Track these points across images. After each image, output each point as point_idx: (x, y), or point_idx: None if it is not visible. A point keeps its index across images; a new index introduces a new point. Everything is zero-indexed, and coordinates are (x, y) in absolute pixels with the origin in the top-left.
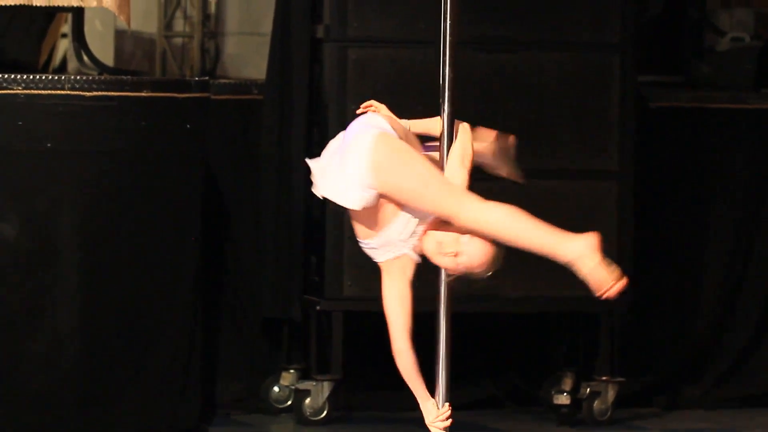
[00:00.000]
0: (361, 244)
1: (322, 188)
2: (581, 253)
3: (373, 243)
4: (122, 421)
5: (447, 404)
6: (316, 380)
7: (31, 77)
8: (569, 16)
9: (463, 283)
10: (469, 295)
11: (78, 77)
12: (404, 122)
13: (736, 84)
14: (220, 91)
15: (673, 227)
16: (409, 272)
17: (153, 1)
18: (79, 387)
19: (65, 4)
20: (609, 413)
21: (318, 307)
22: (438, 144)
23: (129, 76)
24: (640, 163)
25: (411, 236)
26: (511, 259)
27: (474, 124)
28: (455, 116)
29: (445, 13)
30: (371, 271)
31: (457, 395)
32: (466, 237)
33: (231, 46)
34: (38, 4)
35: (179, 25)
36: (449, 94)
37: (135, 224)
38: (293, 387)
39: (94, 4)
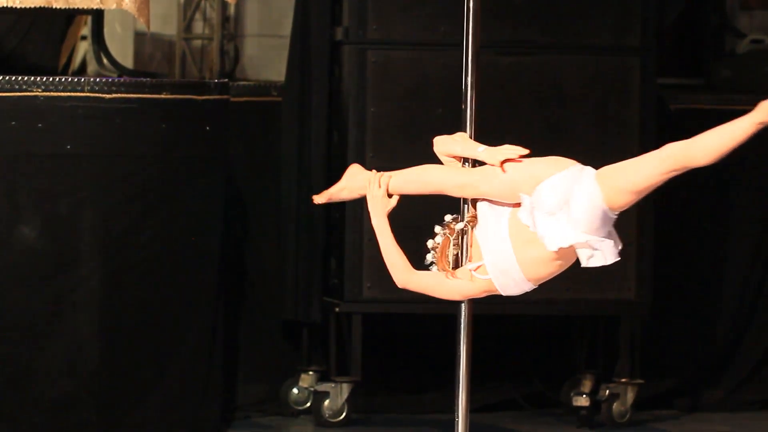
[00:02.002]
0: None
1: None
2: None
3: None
4: (143, 424)
5: None
6: (335, 382)
7: (51, 79)
8: (590, 20)
9: None
10: (489, 297)
11: (98, 79)
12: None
13: (756, 86)
14: (239, 93)
15: (693, 230)
16: None
17: (172, 3)
18: (100, 390)
19: (85, 6)
20: (628, 415)
21: (337, 309)
22: None
23: (149, 79)
24: None
25: None
26: None
27: (494, 127)
28: (476, 120)
29: (468, 17)
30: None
31: (477, 397)
32: None
33: (250, 48)
34: (58, 6)
35: (198, 27)
36: (471, 98)
37: (156, 227)
38: (312, 389)
39: (114, 6)
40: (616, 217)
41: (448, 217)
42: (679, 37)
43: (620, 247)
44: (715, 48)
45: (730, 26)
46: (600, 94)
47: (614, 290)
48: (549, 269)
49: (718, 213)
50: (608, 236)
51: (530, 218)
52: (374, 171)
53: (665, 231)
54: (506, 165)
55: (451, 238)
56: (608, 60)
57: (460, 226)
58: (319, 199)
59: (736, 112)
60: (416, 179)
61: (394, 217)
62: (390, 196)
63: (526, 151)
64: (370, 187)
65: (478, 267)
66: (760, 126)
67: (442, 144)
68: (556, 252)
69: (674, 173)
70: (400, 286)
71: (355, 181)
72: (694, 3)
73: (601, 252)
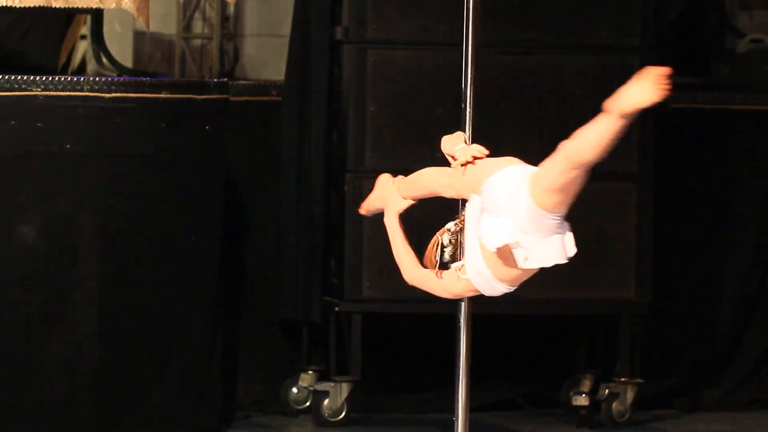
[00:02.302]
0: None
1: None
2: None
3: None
4: (143, 423)
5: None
6: (335, 381)
7: (50, 79)
8: (590, 19)
9: None
10: (488, 297)
11: (97, 79)
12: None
13: (756, 85)
14: (239, 92)
15: (693, 229)
16: None
17: (172, 3)
18: (100, 390)
19: (84, 6)
20: (628, 415)
21: (337, 309)
22: None
23: (148, 78)
24: (660, 165)
25: None
26: None
27: (494, 127)
28: (475, 119)
29: (468, 16)
30: (390, 273)
31: (476, 397)
32: None
33: (250, 48)
34: (57, 6)
35: (198, 26)
36: (471, 97)
37: (155, 226)
38: (312, 388)
39: (113, 5)
40: (556, 219)
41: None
42: (679, 36)
43: (572, 253)
44: (714, 47)
45: (730, 25)
46: (600, 94)
47: (614, 290)
48: (516, 270)
49: (717, 213)
50: (550, 238)
51: (477, 218)
52: (382, 176)
53: (665, 230)
54: (469, 166)
55: (440, 238)
56: (608, 59)
57: (450, 225)
58: (361, 211)
59: (736, 111)
60: (415, 183)
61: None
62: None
63: (485, 152)
64: (383, 184)
65: (461, 267)
66: (624, 117)
67: (444, 143)
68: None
69: (576, 170)
70: (410, 283)
71: (386, 190)
72: (694, 2)
73: (539, 254)
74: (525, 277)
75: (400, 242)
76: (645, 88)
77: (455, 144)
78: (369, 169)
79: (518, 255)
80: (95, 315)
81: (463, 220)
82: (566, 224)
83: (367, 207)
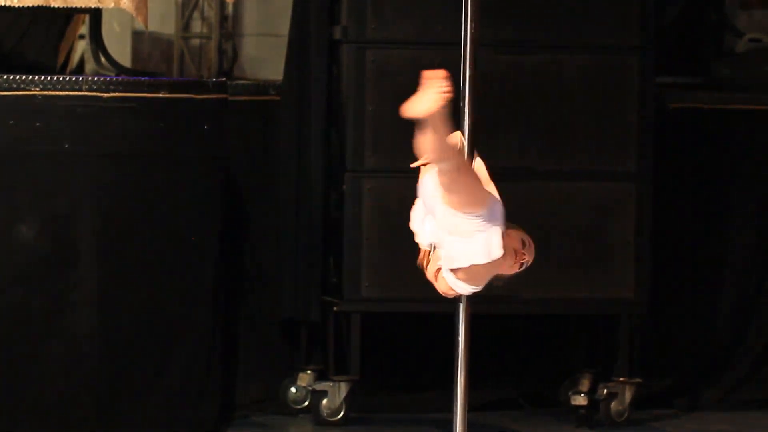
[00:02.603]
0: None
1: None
2: None
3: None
4: (142, 422)
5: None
6: (334, 381)
7: (49, 78)
8: (589, 18)
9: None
10: (488, 296)
11: (95, 78)
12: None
13: (755, 85)
14: (237, 92)
15: (693, 229)
16: None
17: (170, 2)
18: (99, 389)
19: (83, 5)
20: (626, 414)
21: (336, 308)
22: None
23: (146, 78)
24: (659, 165)
25: None
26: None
27: (493, 126)
28: (475, 118)
29: (466, 15)
30: (389, 273)
31: (475, 396)
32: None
33: (248, 47)
34: (56, 5)
35: (197, 26)
36: (470, 96)
37: (154, 226)
38: (311, 388)
39: (112, 5)
40: (472, 218)
41: None
42: (678, 35)
43: (497, 255)
44: (714, 47)
45: (729, 25)
46: (599, 93)
47: (613, 289)
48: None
49: (716, 212)
50: (473, 238)
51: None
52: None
53: (664, 230)
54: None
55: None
56: (607, 59)
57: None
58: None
59: (736, 110)
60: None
61: (394, 217)
62: None
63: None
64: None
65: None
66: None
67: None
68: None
69: (445, 173)
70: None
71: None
72: (693, 2)
73: (463, 253)
74: (486, 277)
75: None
76: (424, 99)
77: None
78: (368, 169)
79: (442, 254)
80: (94, 314)
81: None
82: (493, 225)
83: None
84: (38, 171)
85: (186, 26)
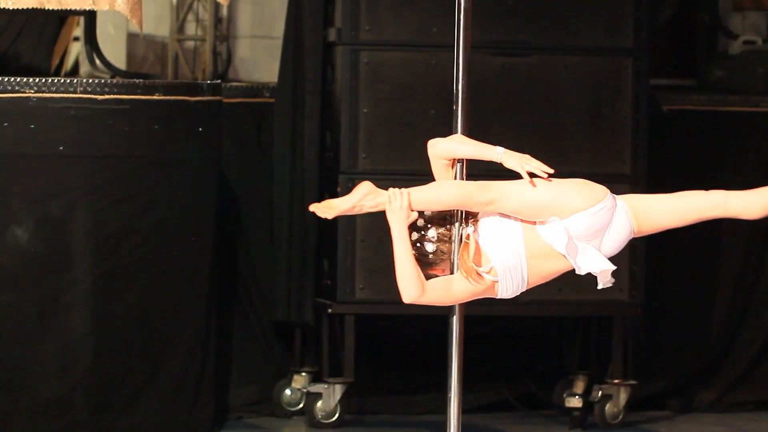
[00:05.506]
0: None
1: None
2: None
3: None
4: (135, 425)
5: None
6: (328, 383)
7: (44, 81)
8: (583, 21)
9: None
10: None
11: (90, 81)
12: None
13: (749, 87)
14: (232, 94)
15: (686, 231)
16: None
17: (165, 5)
18: (93, 391)
19: (77, 7)
20: (621, 416)
21: (330, 310)
22: None
23: (141, 80)
24: (654, 166)
25: None
26: None
27: (487, 128)
28: (468, 120)
29: (460, 18)
30: (383, 275)
31: (470, 398)
32: None
33: (243, 50)
34: (50, 7)
35: (191, 28)
36: (463, 98)
37: (148, 228)
38: (305, 390)
39: (107, 7)
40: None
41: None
42: (672, 37)
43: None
44: (707, 49)
45: (723, 27)
46: (593, 95)
47: (607, 291)
48: (547, 280)
49: None
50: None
51: (557, 240)
52: (391, 189)
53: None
54: (536, 182)
55: (470, 243)
56: (601, 61)
57: (470, 230)
58: (326, 214)
59: (729, 112)
60: (440, 197)
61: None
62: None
63: (551, 171)
64: (392, 201)
65: (490, 270)
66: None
67: (442, 145)
68: (564, 269)
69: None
70: (408, 301)
71: (367, 200)
72: (687, 4)
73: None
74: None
75: (408, 256)
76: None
77: (456, 145)
78: (362, 171)
79: (601, 278)
80: (88, 316)
81: (474, 223)
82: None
83: (340, 211)
84: (33, 173)
85: (180, 28)
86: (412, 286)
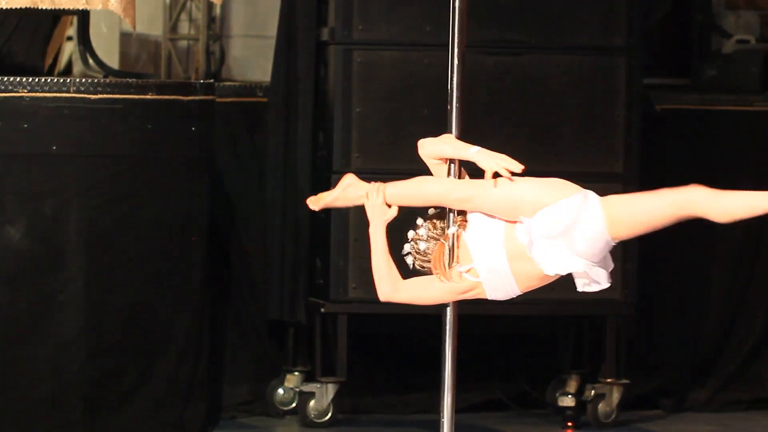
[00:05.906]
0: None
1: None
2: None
3: None
4: (128, 424)
5: None
6: (321, 382)
7: (37, 80)
8: (576, 20)
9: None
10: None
11: (83, 80)
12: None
13: (742, 86)
14: (225, 93)
15: (679, 230)
16: None
17: (158, 4)
18: (86, 391)
19: (70, 7)
20: (614, 415)
21: (323, 310)
22: None
23: (134, 79)
24: (647, 165)
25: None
26: None
27: (481, 127)
28: (462, 119)
29: (454, 17)
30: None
31: (463, 398)
32: None
33: (236, 49)
34: (43, 7)
35: (184, 27)
36: (458, 98)
37: (141, 228)
38: (298, 389)
39: (100, 6)
40: (614, 244)
41: (431, 211)
42: (665, 37)
43: (611, 269)
44: (701, 48)
45: (716, 26)
46: (586, 94)
47: (600, 290)
48: (542, 282)
49: None
50: (603, 261)
51: (527, 239)
52: (373, 183)
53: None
54: (504, 181)
55: (446, 244)
56: (594, 60)
57: (453, 230)
58: (314, 206)
59: (722, 111)
60: (415, 192)
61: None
62: (389, 206)
63: (520, 168)
64: (369, 197)
65: (469, 269)
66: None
67: (429, 146)
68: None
69: (682, 219)
70: (383, 299)
71: (348, 192)
72: (680, 3)
73: (597, 278)
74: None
75: (383, 254)
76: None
77: (439, 146)
78: (355, 170)
79: (579, 281)
80: (81, 316)
81: (462, 224)
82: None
83: (324, 204)
84: (25, 172)
85: (173, 28)
86: (383, 283)
